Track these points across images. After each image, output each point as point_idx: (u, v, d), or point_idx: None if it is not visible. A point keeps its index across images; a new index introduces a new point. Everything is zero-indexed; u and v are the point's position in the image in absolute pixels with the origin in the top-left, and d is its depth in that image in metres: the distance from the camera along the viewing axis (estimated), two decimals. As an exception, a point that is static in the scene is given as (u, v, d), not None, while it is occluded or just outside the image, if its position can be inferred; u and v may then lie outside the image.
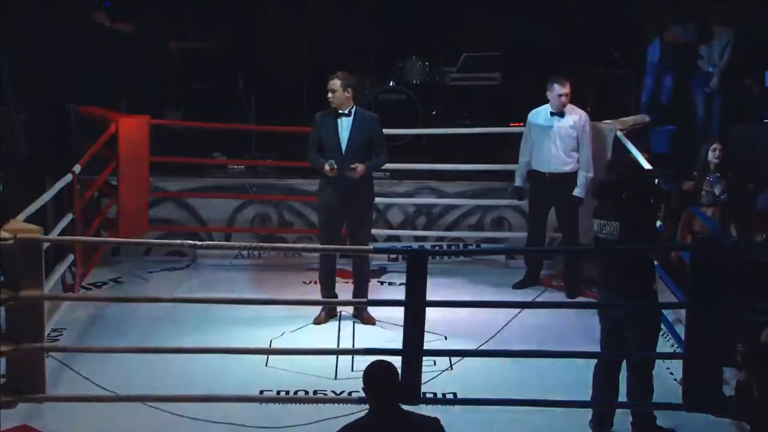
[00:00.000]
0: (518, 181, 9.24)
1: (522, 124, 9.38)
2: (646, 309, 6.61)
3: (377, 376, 4.80)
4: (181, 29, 11.59)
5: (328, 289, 8.39)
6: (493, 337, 7.14)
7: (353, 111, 8.19)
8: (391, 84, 11.35)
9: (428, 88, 11.51)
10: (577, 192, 8.89)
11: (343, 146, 8.15)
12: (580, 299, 8.90)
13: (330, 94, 8.17)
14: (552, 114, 8.93)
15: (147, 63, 10.87)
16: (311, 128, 8.32)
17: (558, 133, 8.90)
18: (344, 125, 8.18)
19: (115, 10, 10.84)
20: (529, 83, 10.67)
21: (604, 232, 6.58)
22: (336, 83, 8.15)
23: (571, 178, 8.91)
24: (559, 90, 8.85)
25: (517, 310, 7.77)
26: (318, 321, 8.34)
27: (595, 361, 6.76)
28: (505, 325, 7.15)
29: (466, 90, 11.54)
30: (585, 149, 8.91)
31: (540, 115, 9.02)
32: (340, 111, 8.17)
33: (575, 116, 8.93)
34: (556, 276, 9.40)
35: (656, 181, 6.68)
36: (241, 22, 11.79)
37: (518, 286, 9.20)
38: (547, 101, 8.97)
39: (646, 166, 8.16)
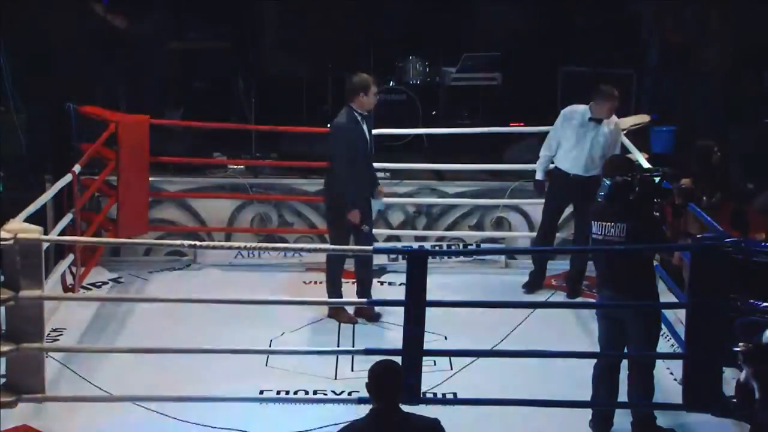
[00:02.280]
0: (540, 175, 9.05)
1: (522, 123, 9.35)
2: (650, 308, 6.61)
3: (383, 375, 4.80)
4: (181, 29, 11.58)
5: (338, 290, 8.43)
6: (502, 341, 7.15)
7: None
8: (391, 84, 11.34)
9: (428, 88, 11.50)
10: None
11: (370, 147, 8.32)
12: (580, 299, 8.90)
13: (374, 98, 8.25)
14: (590, 119, 8.84)
15: (147, 62, 10.87)
16: (345, 137, 8.21)
17: (593, 140, 8.77)
18: (367, 127, 8.28)
19: (113, 5, 10.82)
20: (529, 83, 10.67)
21: (608, 234, 6.54)
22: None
23: (592, 181, 8.79)
24: (612, 103, 8.70)
25: (525, 315, 7.76)
26: (349, 320, 8.36)
27: (594, 361, 6.77)
28: (514, 329, 7.16)
29: (466, 90, 11.52)
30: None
31: (577, 116, 8.83)
32: (364, 114, 8.24)
33: (611, 124, 8.81)
34: (558, 276, 9.37)
35: (658, 180, 6.66)
36: (241, 22, 11.79)
37: (527, 287, 9.13)
38: (582, 101, 8.85)
39: (646, 165, 8.15)
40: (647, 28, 11.64)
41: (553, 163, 8.98)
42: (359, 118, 8.22)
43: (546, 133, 9.06)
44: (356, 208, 8.17)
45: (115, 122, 9.22)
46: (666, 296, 7.78)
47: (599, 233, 6.59)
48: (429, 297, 6.49)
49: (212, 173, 10.32)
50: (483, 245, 10.03)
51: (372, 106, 8.29)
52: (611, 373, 6.66)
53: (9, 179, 9.24)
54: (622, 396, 6.67)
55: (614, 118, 8.86)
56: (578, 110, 8.85)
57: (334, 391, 7.16)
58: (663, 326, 7.14)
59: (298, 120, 10.47)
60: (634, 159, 8.27)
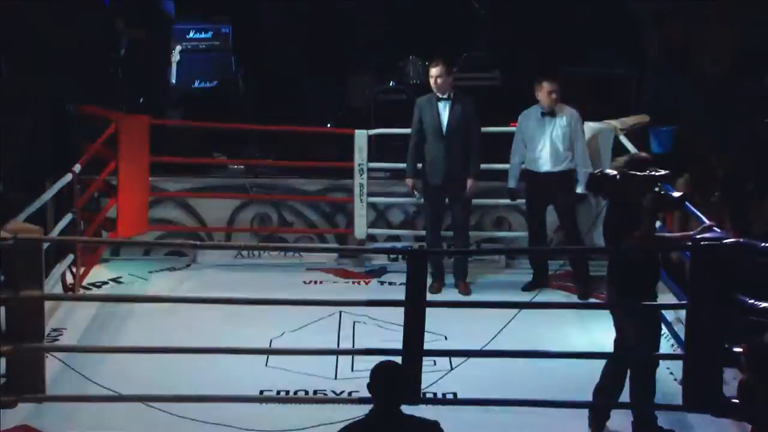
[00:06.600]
0: (511, 183, 9.19)
1: (522, 124, 9.35)
2: (643, 309, 6.59)
3: (384, 376, 4.80)
4: (181, 29, 11.57)
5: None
6: (494, 338, 7.15)
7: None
8: (391, 84, 11.33)
9: (428, 88, 11.47)
10: (580, 189, 8.88)
11: (443, 127, 8.98)
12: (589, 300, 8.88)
13: (440, 81, 9.03)
14: (543, 114, 8.91)
15: (148, 63, 10.86)
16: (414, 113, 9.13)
17: (551, 134, 8.87)
18: (447, 108, 8.98)
19: (129, 15, 10.78)
20: (529, 83, 10.64)
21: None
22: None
23: (565, 176, 8.89)
24: (549, 87, 8.83)
25: (523, 314, 7.75)
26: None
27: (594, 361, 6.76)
28: (505, 325, 7.16)
29: (466, 90, 11.50)
30: (579, 146, 8.90)
31: (531, 115, 9.00)
32: (442, 96, 8.91)
33: (567, 115, 8.91)
34: (562, 277, 9.33)
35: (659, 185, 6.60)
36: (242, 20, 11.78)
37: (527, 288, 9.16)
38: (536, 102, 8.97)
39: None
40: (647, 28, 11.64)
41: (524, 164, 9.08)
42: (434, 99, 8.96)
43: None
44: (408, 178, 9.19)
45: (115, 122, 9.23)
46: (666, 296, 7.79)
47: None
48: (429, 297, 6.48)
49: (212, 173, 10.32)
50: (483, 245, 10.02)
51: (443, 88, 9.00)
52: (621, 373, 6.63)
53: (9, 179, 9.24)
54: (623, 396, 6.67)
55: (570, 108, 8.95)
56: (531, 109, 9.03)
57: (334, 391, 7.16)
58: (663, 326, 7.14)
59: (298, 120, 10.46)
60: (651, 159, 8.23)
